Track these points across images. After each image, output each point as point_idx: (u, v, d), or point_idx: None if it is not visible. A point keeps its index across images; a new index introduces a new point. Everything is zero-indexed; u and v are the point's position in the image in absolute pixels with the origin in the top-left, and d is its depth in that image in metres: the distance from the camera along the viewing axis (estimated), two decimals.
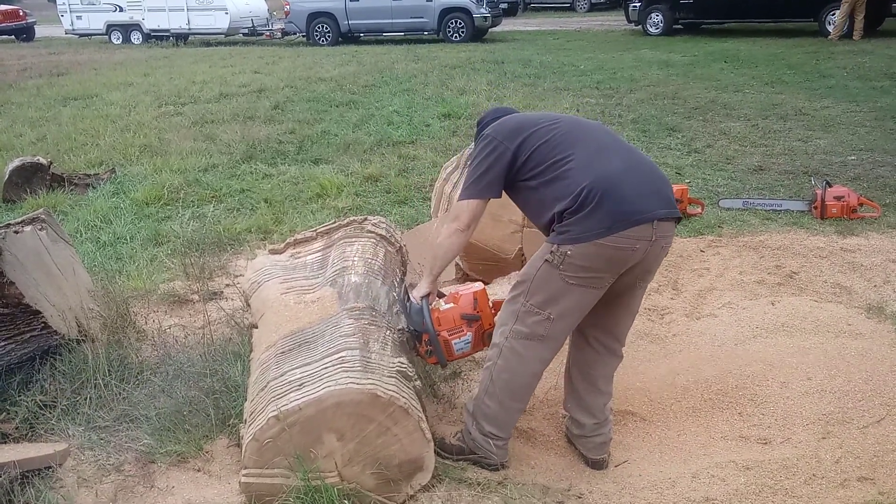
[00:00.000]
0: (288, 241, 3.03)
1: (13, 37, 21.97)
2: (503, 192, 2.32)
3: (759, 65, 11.03)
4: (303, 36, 17.66)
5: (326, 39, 17.14)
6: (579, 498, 2.29)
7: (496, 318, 2.41)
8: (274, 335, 2.38)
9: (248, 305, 2.85)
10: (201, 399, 2.57)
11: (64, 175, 5.76)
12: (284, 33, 18.48)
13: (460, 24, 16.45)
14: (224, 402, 2.55)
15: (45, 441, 2.49)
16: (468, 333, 2.44)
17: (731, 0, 14.53)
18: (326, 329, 2.31)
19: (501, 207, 3.16)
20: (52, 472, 2.30)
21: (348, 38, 17.41)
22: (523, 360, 2.26)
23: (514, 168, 2.25)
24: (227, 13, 18.57)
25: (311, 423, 2.02)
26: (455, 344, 2.43)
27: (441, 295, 2.56)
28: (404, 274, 3.04)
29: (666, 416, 2.72)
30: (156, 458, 2.37)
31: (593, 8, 24.83)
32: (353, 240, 2.89)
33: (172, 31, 19.21)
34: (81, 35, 20.41)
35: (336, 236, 2.94)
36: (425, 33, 16.98)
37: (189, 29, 19.17)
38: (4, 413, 2.60)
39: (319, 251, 2.89)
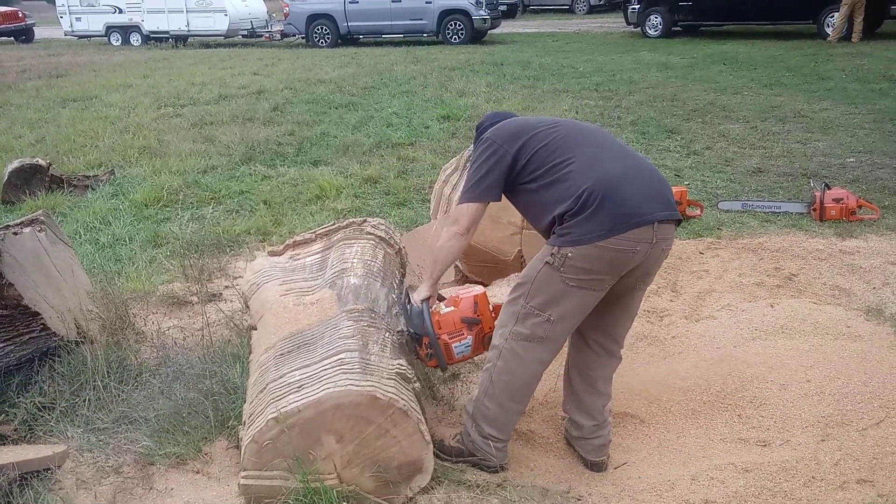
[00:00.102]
0: (287, 242, 3.03)
1: (12, 38, 21.97)
2: (503, 195, 2.33)
3: (758, 67, 11.04)
4: (302, 38, 17.66)
5: (326, 41, 17.15)
6: (578, 500, 2.29)
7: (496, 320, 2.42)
8: (273, 337, 2.37)
9: (247, 307, 2.85)
10: (200, 401, 2.57)
11: (63, 176, 5.75)
12: (284, 35, 18.48)
13: (459, 25, 16.45)
14: (223, 403, 2.55)
15: (43, 443, 2.48)
16: (468, 337, 2.44)
17: (729, 2, 14.51)
18: (325, 331, 2.31)
19: (501, 209, 3.16)
20: (51, 473, 2.30)
21: (347, 39, 17.41)
22: (523, 362, 2.26)
23: (514, 171, 2.26)
24: (226, 15, 18.58)
25: (310, 425, 2.02)
26: (455, 347, 2.43)
27: (441, 298, 2.56)
28: (403, 276, 3.04)
29: (665, 419, 2.72)
30: (155, 459, 2.37)
31: (592, 10, 24.84)
32: (353, 241, 2.89)
33: (172, 32, 19.22)
34: (81, 36, 20.42)
35: (335, 238, 2.94)
36: (424, 35, 16.99)
37: (188, 31, 19.17)
38: (3, 415, 2.60)
39: (318, 253, 2.89)
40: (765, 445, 2.54)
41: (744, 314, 3.42)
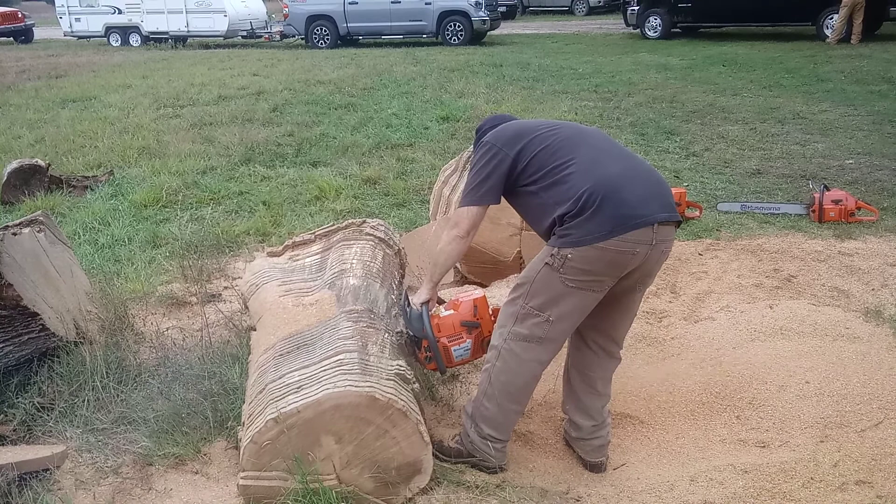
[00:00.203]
0: (286, 243, 3.03)
1: (12, 39, 21.94)
2: (503, 198, 2.33)
3: (758, 68, 11.05)
4: (301, 38, 17.66)
5: (325, 42, 17.14)
6: (577, 501, 2.29)
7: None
8: (272, 337, 2.37)
9: (247, 308, 2.85)
10: (199, 401, 2.57)
11: (62, 177, 5.76)
12: (283, 36, 18.47)
13: (459, 27, 16.46)
14: (222, 404, 2.55)
15: (42, 443, 2.48)
16: (468, 340, 2.45)
17: (729, 4, 14.53)
18: (325, 332, 2.31)
19: (500, 210, 3.16)
20: (50, 474, 2.30)
21: (347, 40, 17.41)
22: (522, 362, 2.27)
23: (514, 174, 2.26)
24: (225, 16, 18.57)
25: (309, 426, 2.02)
26: (454, 351, 2.44)
27: (441, 301, 2.56)
28: (402, 277, 3.04)
29: (664, 420, 2.73)
30: (154, 460, 2.37)
31: (591, 11, 24.84)
32: (352, 242, 2.89)
33: (171, 33, 19.20)
34: (80, 37, 20.38)
35: (334, 239, 2.94)
36: (424, 36, 17.00)
37: (188, 31, 19.16)
38: (2, 415, 2.60)
39: (318, 254, 2.89)
40: (764, 446, 2.54)
41: (743, 315, 3.43)
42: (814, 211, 4.68)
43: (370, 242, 2.91)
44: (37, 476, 2.27)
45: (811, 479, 2.32)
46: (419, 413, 2.18)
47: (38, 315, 2.70)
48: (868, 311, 3.42)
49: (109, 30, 19.70)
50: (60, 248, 3.03)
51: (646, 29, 15.82)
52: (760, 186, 5.51)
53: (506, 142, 2.29)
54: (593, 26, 20.31)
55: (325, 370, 2.11)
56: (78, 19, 19.99)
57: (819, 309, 3.45)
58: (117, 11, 19.48)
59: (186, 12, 18.77)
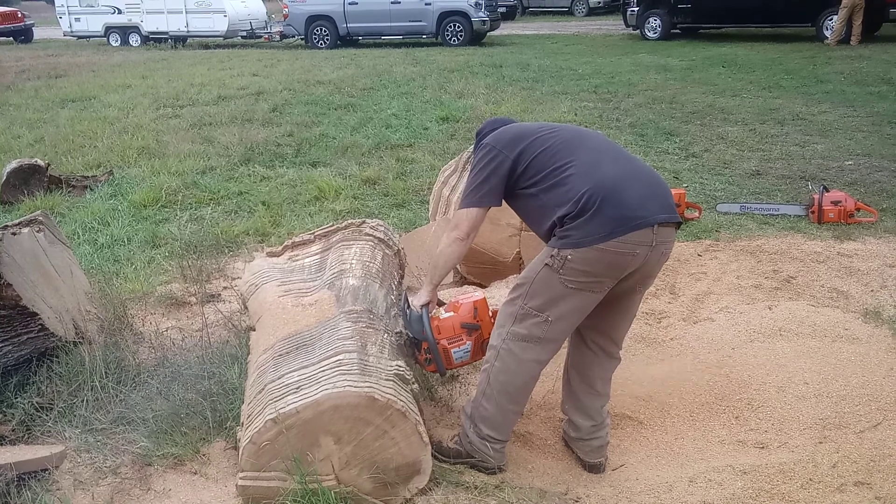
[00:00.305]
0: (286, 243, 3.03)
1: (11, 38, 21.94)
2: (503, 200, 2.33)
3: (757, 69, 11.06)
4: (301, 39, 17.66)
5: (325, 42, 17.15)
6: (576, 502, 2.29)
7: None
8: (271, 338, 2.37)
9: (246, 308, 2.85)
10: (198, 402, 2.57)
11: (62, 177, 5.75)
12: (283, 36, 18.47)
13: (459, 27, 16.47)
14: (221, 404, 2.55)
15: (41, 443, 2.48)
16: (468, 342, 2.45)
17: (729, 5, 14.54)
18: (324, 332, 2.31)
19: (499, 211, 3.15)
20: (49, 474, 2.29)
21: (347, 41, 17.41)
22: (520, 362, 2.27)
23: (514, 176, 2.26)
24: (225, 16, 18.57)
25: (308, 426, 2.02)
26: (454, 353, 2.44)
27: (441, 303, 2.56)
28: (402, 277, 3.04)
29: (663, 420, 2.73)
30: (152, 460, 2.37)
31: (591, 12, 24.84)
32: (351, 243, 2.89)
33: (171, 33, 19.20)
34: (80, 37, 20.37)
35: (334, 239, 2.94)
36: (424, 37, 17.00)
37: (187, 31, 19.16)
38: (1, 415, 2.60)
39: (317, 254, 2.89)
40: (763, 447, 2.54)
41: (742, 316, 3.43)
42: (813, 212, 4.68)
43: (369, 243, 2.91)
44: (35, 476, 2.26)
45: (810, 480, 2.32)
46: (418, 413, 2.18)
47: (37, 315, 2.69)
48: (867, 313, 3.43)
49: (109, 30, 19.70)
50: (60, 247, 3.03)
51: (645, 30, 15.83)
52: (760, 187, 5.51)
53: (505, 144, 2.29)
54: (593, 27, 20.32)
55: (324, 370, 2.11)
56: (78, 19, 19.98)
57: (818, 310, 3.46)
58: (117, 11, 19.48)
59: (186, 12, 18.77)
